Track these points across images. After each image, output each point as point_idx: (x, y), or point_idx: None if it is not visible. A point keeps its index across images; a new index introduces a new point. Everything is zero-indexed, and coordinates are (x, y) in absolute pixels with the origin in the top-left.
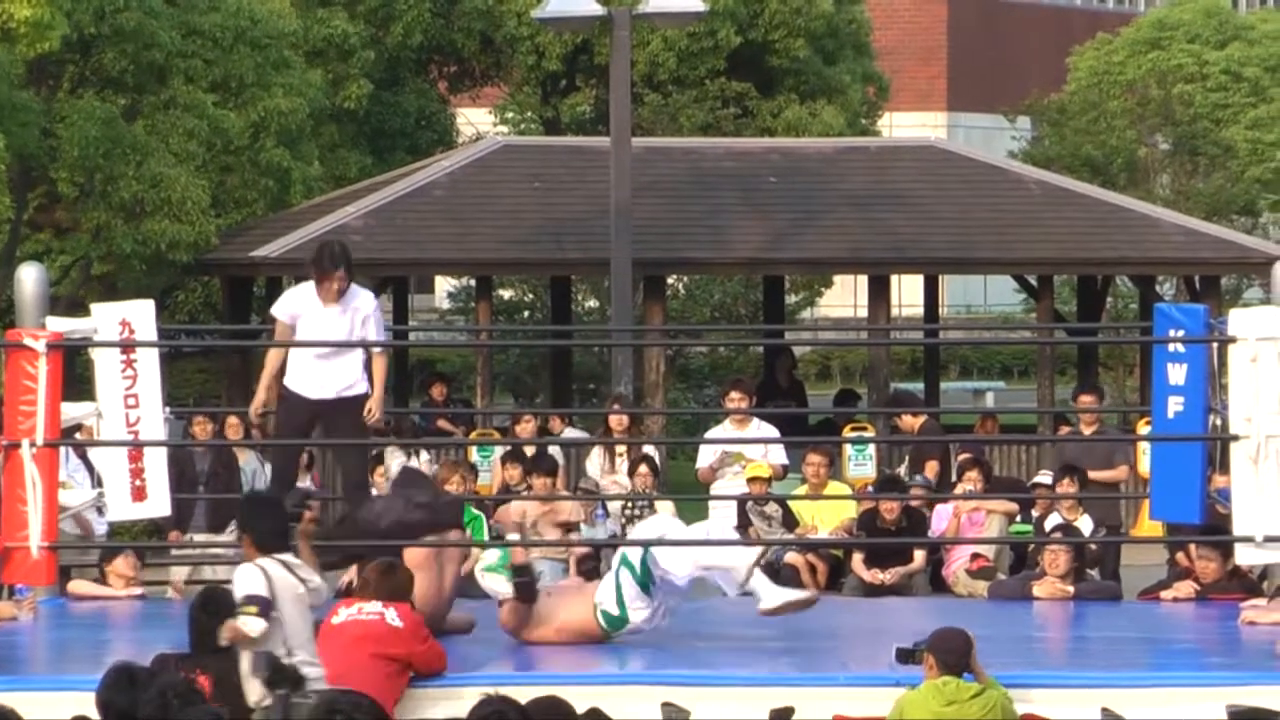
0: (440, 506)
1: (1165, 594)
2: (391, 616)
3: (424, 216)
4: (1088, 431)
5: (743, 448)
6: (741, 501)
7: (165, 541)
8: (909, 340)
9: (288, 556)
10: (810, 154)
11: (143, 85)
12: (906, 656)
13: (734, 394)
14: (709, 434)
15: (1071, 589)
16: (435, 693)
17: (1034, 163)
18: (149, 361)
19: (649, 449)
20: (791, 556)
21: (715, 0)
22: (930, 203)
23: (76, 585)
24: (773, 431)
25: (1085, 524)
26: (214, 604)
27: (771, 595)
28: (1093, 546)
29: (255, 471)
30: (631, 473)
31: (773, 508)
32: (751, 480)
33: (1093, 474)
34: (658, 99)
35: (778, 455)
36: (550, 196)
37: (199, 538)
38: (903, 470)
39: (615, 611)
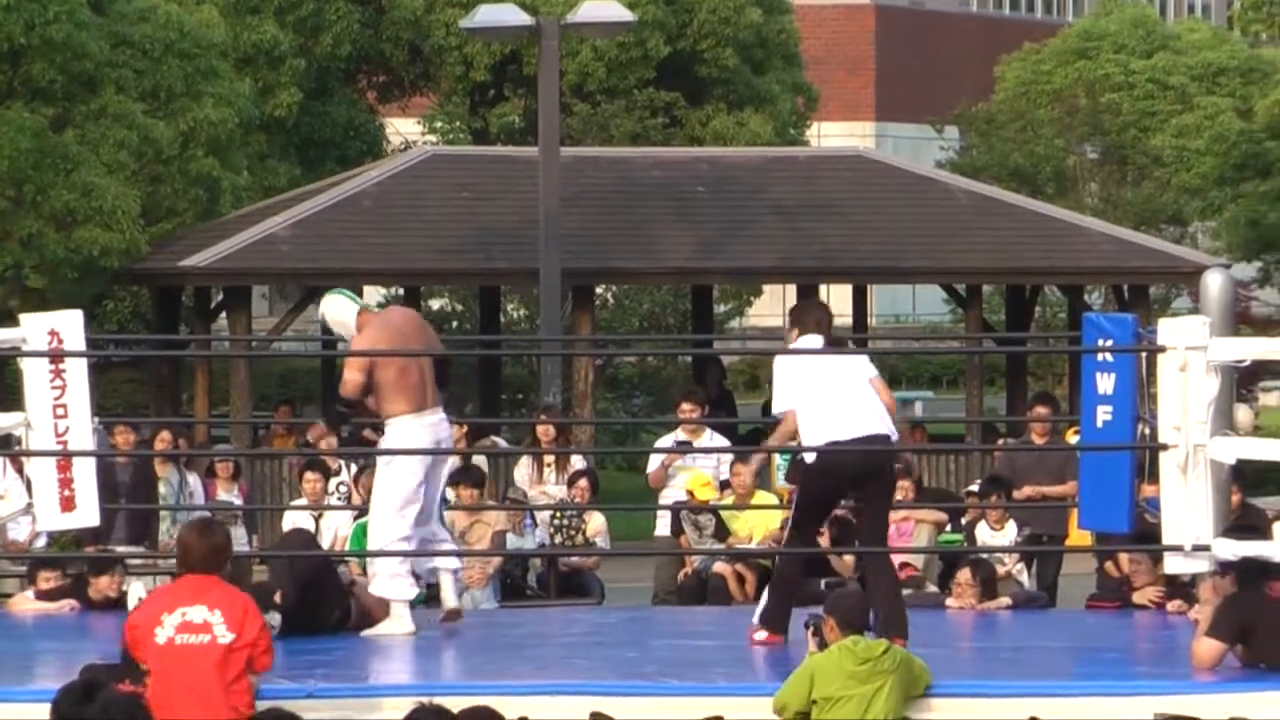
0: None
1: (1138, 597)
2: (221, 631)
3: (352, 226)
4: (1040, 443)
5: (697, 458)
6: (675, 510)
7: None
8: (837, 350)
9: None
10: (739, 163)
11: (72, 95)
12: (815, 628)
13: (685, 405)
14: (659, 443)
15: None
16: (368, 703)
17: (962, 172)
18: (78, 371)
19: (588, 462)
20: (720, 566)
21: (644, 10)
22: (859, 212)
23: (18, 601)
24: (724, 444)
25: (1009, 533)
26: None
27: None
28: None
29: (179, 483)
30: (571, 485)
31: (705, 517)
32: (690, 490)
33: (1044, 489)
34: (586, 109)
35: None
36: (479, 206)
37: (119, 549)
38: None
39: None
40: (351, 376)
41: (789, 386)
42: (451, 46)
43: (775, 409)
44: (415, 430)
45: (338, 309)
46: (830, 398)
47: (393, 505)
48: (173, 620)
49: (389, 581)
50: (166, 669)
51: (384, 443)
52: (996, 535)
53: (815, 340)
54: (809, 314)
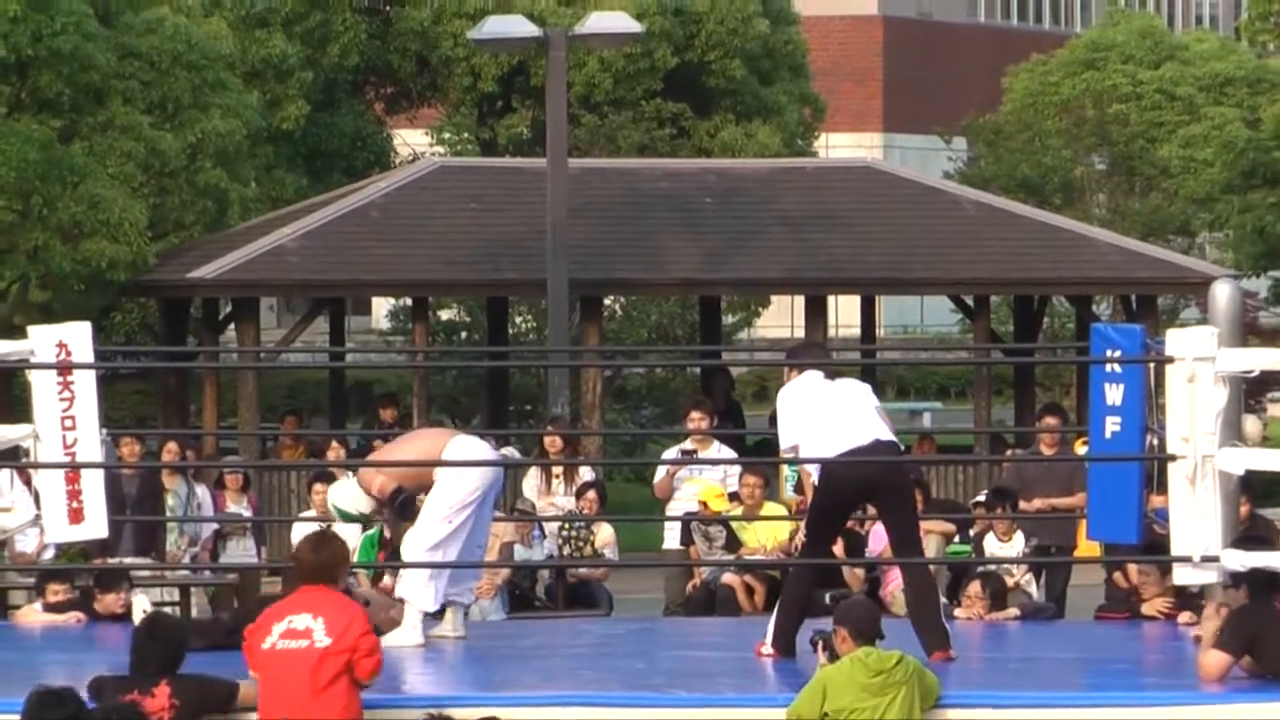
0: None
1: (1146, 608)
2: (320, 636)
3: (360, 238)
4: (1048, 454)
5: (705, 469)
6: (685, 521)
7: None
8: (846, 361)
9: None
10: (747, 174)
11: (80, 107)
12: (824, 642)
13: (695, 414)
14: (666, 454)
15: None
16: (379, 714)
17: (970, 183)
18: (86, 383)
19: (596, 473)
20: (728, 577)
21: (651, 21)
22: (867, 223)
23: (25, 613)
24: (731, 455)
25: (1017, 544)
26: (159, 628)
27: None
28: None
29: (188, 495)
30: (579, 496)
31: (716, 529)
32: (704, 501)
33: (1053, 501)
34: (594, 120)
35: (735, 481)
36: (487, 217)
37: (126, 561)
38: None
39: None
40: (385, 481)
41: (792, 419)
42: (459, 58)
43: (783, 445)
44: (480, 446)
45: (349, 489)
46: (829, 418)
47: (441, 511)
48: (280, 628)
49: (417, 586)
50: (268, 674)
51: (447, 455)
52: (1004, 546)
53: (814, 375)
54: (806, 354)
